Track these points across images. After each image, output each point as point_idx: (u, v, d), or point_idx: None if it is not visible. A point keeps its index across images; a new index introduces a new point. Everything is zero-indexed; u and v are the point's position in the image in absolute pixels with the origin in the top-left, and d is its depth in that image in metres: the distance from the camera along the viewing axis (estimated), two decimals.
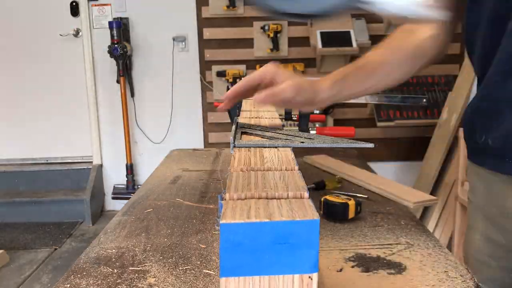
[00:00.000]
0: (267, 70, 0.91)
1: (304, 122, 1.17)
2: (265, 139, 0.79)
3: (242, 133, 0.85)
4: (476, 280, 0.87)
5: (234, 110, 1.15)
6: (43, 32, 4.08)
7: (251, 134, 0.84)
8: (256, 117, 1.03)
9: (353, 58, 3.87)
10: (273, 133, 0.84)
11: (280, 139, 0.79)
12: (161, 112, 4.17)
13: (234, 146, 0.75)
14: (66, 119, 4.20)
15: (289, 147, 0.75)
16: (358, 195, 1.38)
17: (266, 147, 0.73)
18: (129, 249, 1.06)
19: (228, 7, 3.91)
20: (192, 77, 4.11)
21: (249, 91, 0.92)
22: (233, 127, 0.88)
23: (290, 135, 0.83)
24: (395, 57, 1.02)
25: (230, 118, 1.16)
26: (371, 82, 1.03)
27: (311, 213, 0.44)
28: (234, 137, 0.79)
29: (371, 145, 0.78)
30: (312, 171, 1.74)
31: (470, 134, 1.00)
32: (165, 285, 0.89)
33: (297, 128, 1.19)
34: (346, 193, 1.34)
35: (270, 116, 1.06)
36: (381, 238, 1.11)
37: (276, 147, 0.74)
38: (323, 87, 0.96)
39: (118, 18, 3.96)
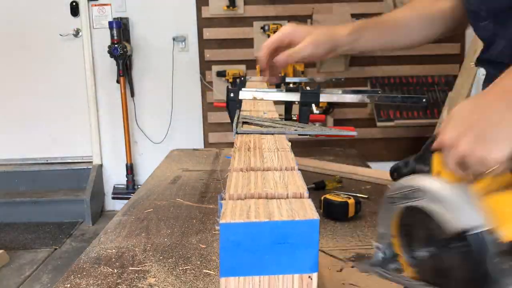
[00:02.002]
0: (283, 32, 0.97)
1: (304, 122, 1.17)
2: (263, 128, 0.86)
3: (244, 123, 0.90)
4: None
5: (234, 110, 1.15)
6: (43, 32, 4.07)
7: (251, 124, 0.90)
8: (256, 117, 1.03)
9: (352, 58, 3.88)
10: (270, 123, 0.90)
11: (276, 127, 0.86)
12: (161, 112, 4.17)
13: (237, 133, 0.81)
14: (66, 119, 4.20)
15: (284, 133, 0.82)
16: (358, 194, 1.38)
17: (264, 134, 0.81)
18: (129, 249, 1.06)
19: (228, 7, 3.91)
20: (192, 77, 4.11)
21: (273, 55, 0.99)
22: (235, 117, 0.95)
23: (286, 125, 0.89)
24: (417, 18, 1.04)
25: (230, 118, 1.16)
26: (390, 37, 1.05)
27: (311, 213, 0.44)
28: (236, 125, 0.85)
29: (354, 133, 0.86)
30: (310, 173, 1.74)
31: None
32: (165, 285, 0.89)
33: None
34: (346, 192, 1.34)
35: (270, 116, 1.06)
36: None
37: (272, 134, 0.81)
38: (341, 33, 1.00)
39: (118, 18, 3.96)
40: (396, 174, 0.77)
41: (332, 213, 1.24)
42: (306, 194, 0.50)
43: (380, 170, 1.63)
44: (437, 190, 0.64)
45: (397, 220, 0.73)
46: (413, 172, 0.73)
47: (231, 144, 0.83)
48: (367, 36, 1.02)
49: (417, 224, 0.70)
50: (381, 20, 1.05)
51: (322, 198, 1.27)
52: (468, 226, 0.59)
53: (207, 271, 0.95)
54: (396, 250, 0.73)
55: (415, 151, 0.78)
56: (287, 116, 1.44)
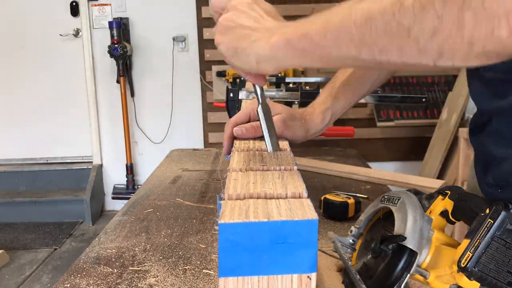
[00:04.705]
0: (251, 108, 0.89)
1: None
2: None
3: None
4: None
5: (234, 110, 1.15)
6: (43, 32, 4.08)
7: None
8: None
9: None
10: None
11: None
12: (161, 112, 4.17)
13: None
14: (66, 119, 4.20)
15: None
16: (358, 194, 1.38)
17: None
18: (129, 249, 1.06)
19: None
20: (192, 77, 4.11)
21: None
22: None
23: None
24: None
25: (230, 118, 1.16)
26: (361, 91, 1.04)
27: (309, 213, 0.44)
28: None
29: None
30: (310, 173, 1.74)
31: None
32: (165, 285, 0.89)
33: None
34: (346, 192, 1.34)
35: None
36: None
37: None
38: (315, 122, 0.98)
39: (118, 18, 3.96)
40: None
41: (332, 213, 1.24)
42: (305, 194, 0.50)
43: (380, 170, 1.63)
44: (408, 204, 0.74)
45: (371, 222, 0.84)
46: None
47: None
48: (340, 106, 1.01)
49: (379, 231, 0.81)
50: (346, 80, 1.01)
51: (322, 198, 1.27)
52: (403, 238, 0.70)
53: (207, 271, 0.95)
54: (357, 245, 0.84)
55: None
56: None
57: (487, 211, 0.72)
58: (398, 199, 0.78)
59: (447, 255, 0.75)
